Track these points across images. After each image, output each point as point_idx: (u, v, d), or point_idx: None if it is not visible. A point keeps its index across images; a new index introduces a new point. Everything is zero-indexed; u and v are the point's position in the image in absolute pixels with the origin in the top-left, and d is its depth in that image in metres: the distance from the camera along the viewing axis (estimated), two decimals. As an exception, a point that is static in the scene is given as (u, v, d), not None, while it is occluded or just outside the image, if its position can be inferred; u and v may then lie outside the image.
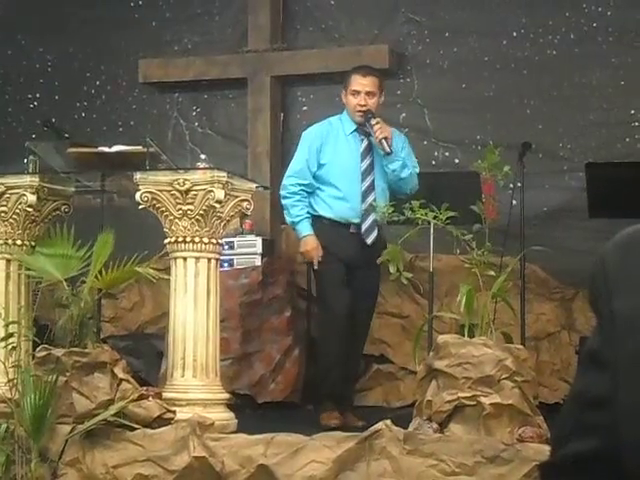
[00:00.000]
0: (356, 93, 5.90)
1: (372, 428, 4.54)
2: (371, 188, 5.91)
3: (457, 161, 7.34)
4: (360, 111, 5.87)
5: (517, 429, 4.56)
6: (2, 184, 5.54)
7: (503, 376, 4.60)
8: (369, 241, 5.77)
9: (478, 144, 7.03)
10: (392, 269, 5.14)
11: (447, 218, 5.00)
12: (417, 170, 5.96)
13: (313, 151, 5.98)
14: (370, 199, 5.85)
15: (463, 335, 4.75)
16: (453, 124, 7.37)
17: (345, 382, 5.97)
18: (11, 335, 4.95)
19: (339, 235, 5.82)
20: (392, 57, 7.44)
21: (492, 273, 4.95)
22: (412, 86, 7.57)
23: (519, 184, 6.18)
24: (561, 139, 7.22)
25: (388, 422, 4.56)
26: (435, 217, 5.05)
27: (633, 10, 7.10)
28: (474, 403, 4.57)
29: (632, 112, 7.10)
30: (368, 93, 5.89)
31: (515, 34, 7.36)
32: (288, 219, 6.01)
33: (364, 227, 5.88)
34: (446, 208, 5.09)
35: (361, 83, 5.91)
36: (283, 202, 5.98)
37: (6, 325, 5.06)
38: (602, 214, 5.87)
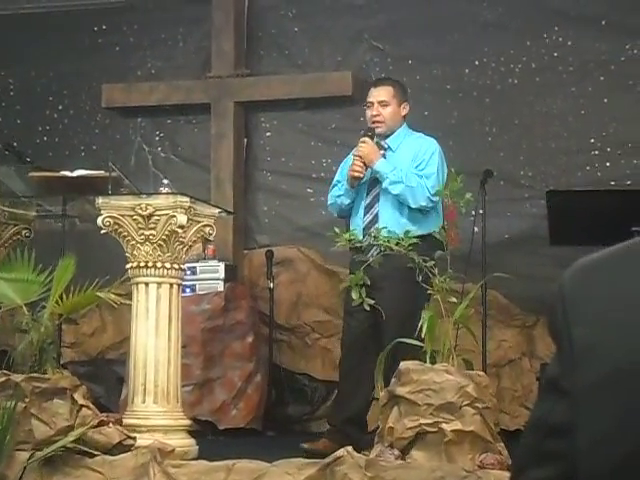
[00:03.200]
0: (371, 105, 5.76)
1: (333, 455, 4.53)
2: (374, 201, 5.67)
3: (419, 188, 7.36)
4: (375, 122, 5.72)
5: (478, 456, 4.56)
6: (-38, 208, 5.49)
7: (464, 403, 4.61)
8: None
9: (440, 171, 7.06)
10: (355, 295, 5.15)
11: (409, 245, 5.02)
12: (422, 183, 5.55)
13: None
14: (369, 217, 5.65)
15: (425, 362, 4.75)
16: (416, 151, 7.40)
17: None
18: (-30, 360, 4.90)
19: None
20: (355, 84, 7.47)
21: (454, 300, 4.97)
22: (375, 113, 7.60)
23: (481, 211, 6.22)
24: (522, 167, 7.28)
25: (349, 449, 4.55)
26: (397, 243, 5.06)
27: (593, 40, 7.19)
28: (435, 430, 4.57)
29: (592, 140, 7.18)
30: (381, 103, 5.73)
31: (477, 62, 7.42)
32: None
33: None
34: (408, 234, 5.10)
35: (373, 94, 5.77)
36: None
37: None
38: (563, 241, 5.91)
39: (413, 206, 5.52)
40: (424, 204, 5.51)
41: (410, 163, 5.64)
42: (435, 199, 5.50)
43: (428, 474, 4.41)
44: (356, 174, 5.62)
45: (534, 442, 1.05)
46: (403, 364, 4.73)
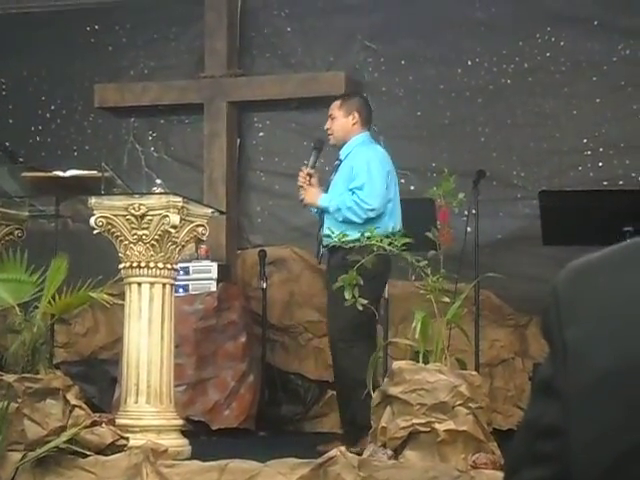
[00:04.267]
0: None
1: (326, 455, 4.54)
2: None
3: (412, 188, 7.37)
4: (328, 134, 6.10)
5: (471, 455, 4.57)
6: (-46, 208, 5.48)
7: (457, 402, 4.61)
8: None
9: (433, 171, 7.07)
10: (347, 295, 5.15)
11: (402, 244, 5.02)
12: (355, 199, 5.77)
13: None
14: (320, 221, 6.00)
15: (418, 361, 4.75)
16: (408, 151, 7.41)
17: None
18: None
19: None
20: (348, 84, 7.47)
21: (447, 300, 4.97)
22: (368, 113, 7.60)
23: (473, 211, 6.23)
24: (515, 167, 7.29)
25: (342, 448, 4.56)
26: (390, 243, 5.07)
27: (585, 41, 7.20)
28: (428, 429, 4.58)
29: (584, 140, 7.19)
30: (330, 116, 6.07)
31: (470, 63, 7.43)
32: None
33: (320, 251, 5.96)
34: (401, 234, 5.11)
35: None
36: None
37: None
38: (556, 241, 5.92)
39: (360, 221, 5.69)
40: (367, 216, 5.70)
41: (346, 178, 5.90)
42: (375, 206, 5.69)
43: (421, 474, 4.41)
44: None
45: (527, 443, 1.05)
46: (396, 364, 4.73)
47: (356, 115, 6.01)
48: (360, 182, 5.78)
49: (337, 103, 6.08)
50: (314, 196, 5.98)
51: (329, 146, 6.15)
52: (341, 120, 6.00)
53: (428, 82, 7.47)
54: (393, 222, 5.77)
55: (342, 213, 5.77)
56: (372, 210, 5.71)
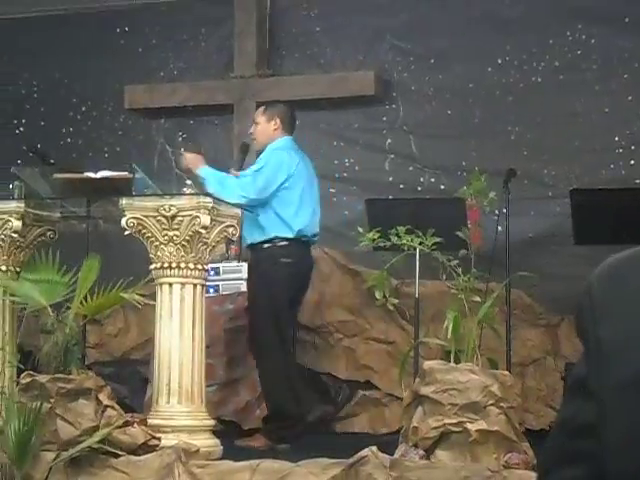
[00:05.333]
0: None
1: (358, 455, 4.53)
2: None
3: (443, 187, 7.36)
4: (252, 139, 6.39)
5: (503, 455, 4.55)
6: (-13, 210, 5.52)
7: (489, 402, 4.59)
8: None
9: (463, 170, 7.05)
10: (378, 295, 5.15)
11: (433, 244, 5.01)
12: (236, 183, 5.99)
13: None
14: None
15: (449, 361, 4.74)
16: (439, 150, 7.40)
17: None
18: (-5, 361, 4.93)
19: None
20: (378, 83, 7.47)
21: (478, 299, 4.96)
22: (398, 112, 7.60)
23: (504, 210, 6.20)
24: (546, 165, 7.25)
25: (374, 448, 4.55)
26: (421, 243, 5.06)
27: (616, 38, 7.15)
28: (460, 429, 4.56)
29: (616, 138, 7.14)
30: (254, 121, 6.37)
31: (500, 61, 7.40)
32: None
33: None
34: (432, 234, 5.10)
35: None
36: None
37: (-10, 351, 5.03)
38: (587, 240, 5.88)
39: (230, 201, 5.76)
40: (238, 201, 5.80)
41: None
42: (249, 197, 5.88)
43: (453, 474, 4.40)
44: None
45: (562, 442, 1.05)
46: (427, 364, 4.72)
47: (277, 121, 6.23)
48: (252, 169, 6.07)
49: (261, 109, 6.35)
50: (197, 162, 6.11)
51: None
52: (263, 125, 6.25)
53: (458, 81, 7.45)
54: (301, 225, 6.04)
55: (218, 189, 5.87)
56: (244, 197, 5.89)
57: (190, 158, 6.19)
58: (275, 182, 6.05)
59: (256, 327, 6.11)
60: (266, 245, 5.94)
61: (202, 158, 6.20)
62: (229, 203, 5.51)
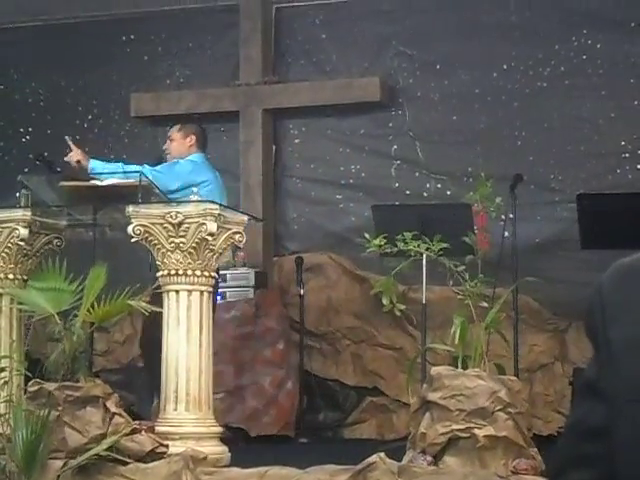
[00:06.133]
0: None
1: (366, 461, 4.52)
2: None
3: (449, 193, 7.35)
4: (166, 154, 6.59)
5: (511, 461, 4.54)
6: (-6, 218, 5.53)
7: (497, 408, 4.58)
8: None
9: (470, 176, 7.05)
10: (385, 301, 5.14)
11: (439, 250, 5.00)
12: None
13: None
14: None
15: (456, 367, 4.73)
16: (445, 156, 7.40)
17: None
18: (2, 369, 4.93)
19: None
20: (383, 89, 7.47)
21: (485, 304, 4.95)
22: (403, 118, 7.60)
23: (511, 215, 6.20)
24: (552, 170, 7.24)
25: (382, 455, 4.54)
26: (427, 249, 5.05)
27: (622, 42, 7.15)
28: (468, 435, 4.55)
29: (622, 143, 7.13)
30: (169, 137, 6.55)
31: (505, 66, 7.40)
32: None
33: None
34: (438, 240, 5.09)
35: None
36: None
37: (-2, 359, 5.03)
38: (594, 245, 5.88)
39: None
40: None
41: None
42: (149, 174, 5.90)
43: (461, 479, 4.39)
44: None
45: (572, 445, 1.04)
46: (435, 369, 4.72)
47: (193, 138, 6.42)
48: (158, 168, 6.21)
49: (177, 127, 6.55)
50: (83, 157, 6.24)
51: None
52: (179, 141, 6.45)
53: (463, 86, 7.45)
54: None
55: (115, 176, 6.01)
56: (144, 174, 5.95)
57: (76, 153, 6.28)
58: (184, 180, 6.13)
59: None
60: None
61: (83, 152, 6.31)
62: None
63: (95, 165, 6.22)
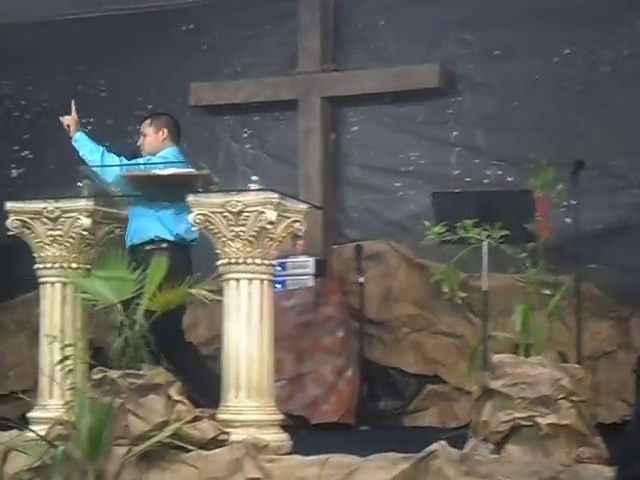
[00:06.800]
0: None
1: (427, 449, 4.51)
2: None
3: (510, 179, 7.30)
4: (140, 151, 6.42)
5: (575, 450, 4.50)
6: (57, 208, 5.60)
7: (560, 396, 4.55)
8: None
9: (531, 162, 6.97)
10: (445, 289, 5.11)
11: (500, 237, 4.97)
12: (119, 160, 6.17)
13: None
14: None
15: (518, 355, 4.70)
16: (505, 142, 7.34)
17: None
18: (67, 358, 4.99)
19: None
20: (442, 76, 7.43)
21: (547, 292, 4.90)
22: (463, 105, 7.55)
23: (573, 202, 6.13)
24: (615, 156, 7.15)
25: (443, 443, 4.52)
26: (488, 236, 5.02)
27: (687, 25, 7.03)
28: (531, 423, 4.52)
29: (687, 128, 7.02)
30: (142, 134, 6.41)
31: (566, 51, 7.31)
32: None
33: None
34: (499, 227, 5.06)
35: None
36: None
37: (62, 348, 5.10)
38: (658, 231, 5.80)
39: (107, 179, 5.94)
40: (114, 177, 5.91)
41: None
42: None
43: (523, 468, 4.36)
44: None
45: (637, 434, 1.03)
46: (497, 357, 4.69)
47: (165, 131, 6.33)
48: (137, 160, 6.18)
49: (147, 121, 6.44)
50: (74, 123, 6.29)
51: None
52: (152, 136, 6.36)
53: (524, 72, 7.38)
54: (180, 229, 5.88)
55: (96, 156, 6.09)
56: (113, 178, 5.93)
57: (71, 118, 6.35)
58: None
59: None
60: (147, 247, 5.79)
61: (77, 121, 6.35)
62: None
63: (78, 138, 6.29)
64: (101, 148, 6.25)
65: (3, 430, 5.29)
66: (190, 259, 5.95)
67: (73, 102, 6.39)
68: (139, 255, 5.75)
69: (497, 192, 6.87)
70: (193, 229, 5.44)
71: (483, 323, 5.88)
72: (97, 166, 6.01)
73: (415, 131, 7.65)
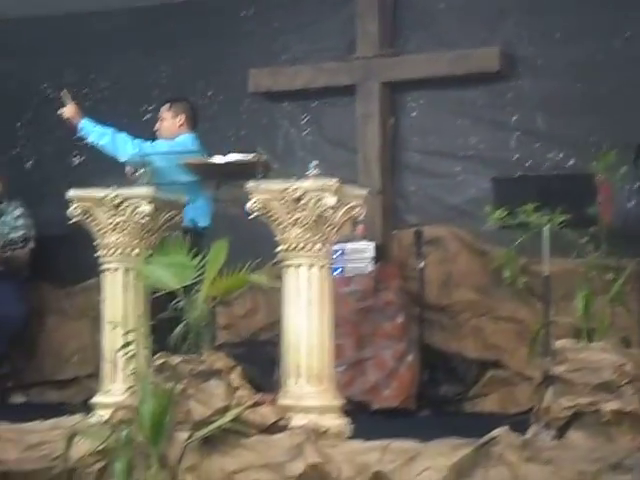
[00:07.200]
0: None
1: (489, 435, 4.49)
2: None
3: (571, 163, 7.22)
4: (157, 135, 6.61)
5: (639, 437, 4.45)
6: (119, 195, 5.65)
7: (623, 382, 4.50)
8: None
9: (592, 145, 6.89)
10: (506, 274, 5.08)
11: (562, 221, 4.92)
12: (130, 140, 6.35)
13: None
14: None
15: (580, 340, 4.66)
16: (566, 125, 7.26)
17: None
18: (129, 344, 5.04)
19: None
20: (502, 59, 7.37)
21: (609, 276, 4.85)
22: (523, 88, 7.48)
23: (635, 185, 6.06)
24: (679, 138, 7.03)
25: (505, 429, 4.50)
26: (549, 220, 4.98)
27: None
28: (593, 409, 4.48)
29: None
30: (159, 118, 6.64)
31: (628, 34, 7.21)
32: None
33: None
34: (560, 211, 5.01)
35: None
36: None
37: (125, 334, 5.15)
38: None
39: (122, 158, 6.19)
40: (129, 154, 6.16)
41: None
42: (127, 156, 6.12)
43: (587, 454, 4.32)
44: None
45: None
46: (559, 343, 4.65)
47: (183, 117, 6.52)
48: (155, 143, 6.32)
49: (166, 106, 6.57)
50: (75, 114, 6.40)
51: None
52: (169, 121, 6.51)
53: (585, 54, 7.28)
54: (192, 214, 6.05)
55: (107, 139, 6.26)
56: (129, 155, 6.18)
57: (70, 109, 6.43)
58: (175, 157, 6.19)
59: None
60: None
61: (77, 110, 6.46)
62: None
63: (85, 125, 6.38)
64: (109, 130, 6.31)
65: (68, 415, 5.36)
66: (203, 246, 5.94)
67: (65, 92, 6.43)
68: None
69: (558, 176, 6.81)
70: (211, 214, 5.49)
71: (544, 308, 5.84)
72: (146, 154, 6.05)
73: (475, 115, 7.60)
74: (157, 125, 6.60)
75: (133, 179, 6.24)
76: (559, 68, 7.38)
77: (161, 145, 6.42)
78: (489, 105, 7.56)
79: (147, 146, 6.38)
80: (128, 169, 6.38)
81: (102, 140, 6.31)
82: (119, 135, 6.32)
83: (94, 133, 6.34)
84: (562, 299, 6.47)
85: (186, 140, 6.46)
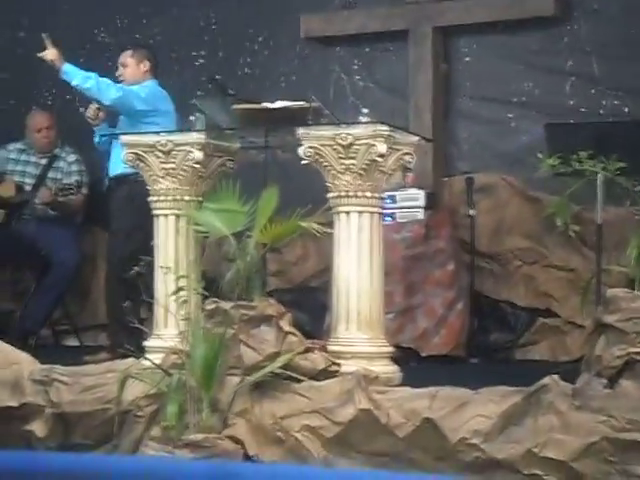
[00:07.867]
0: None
1: (539, 383, 4.48)
2: None
3: (626, 110, 7.12)
4: (120, 81, 6.64)
5: (691, 386, 4.41)
6: (170, 141, 5.66)
7: (676, 331, 4.46)
8: None
9: (649, 92, 6.79)
10: (559, 222, 5.04)
11: (616, 169, 4.86)
12: (114, 85, 6.45)
13: None
14: None
15: (633, 289, 4.62)
16: (622, 71, 7.14)
17: None
18: (181, 289, 5.08)
19: None
20: (557, 4, 7.25)
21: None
22: (579, 33, 7.36)
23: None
24: None
25: (555, 377, 4.49)
26: (604, 168, 4.92)
27: None
28: (645, 359, 4.45)
29: None
30: (122, 64, 6.69)
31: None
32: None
33: None
34: (615, 159, 4.95)
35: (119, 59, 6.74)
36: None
37: (177, 279, 5.19)
38: None
39: (105, 102, 6.37)
40: (113, 97, 6.33)
41: None
42: (114, 98, 6.31)
43: (637, 404, 4.31)
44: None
45: None
46: (610, 291, 4.61)
47: (147, 63, 6.58)
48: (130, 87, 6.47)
49: (129, 52, 6.62)
50: (58, 57, 6.38)
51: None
52: (133, 68, 6.54)
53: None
54: None
55: (91, 83, 6.31)
56: (117, 96, 6.35)
57: (52, 52, 6.38)
58: (150, 104, 6.43)
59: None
60: (140, 178, 5.80)
61: (59, 54, 6.42)
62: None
63: (68, 69, 6.37)
64: (93, 74, 6.33)
65: (121, 358, 5.44)
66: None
67: (45, 35, 6.43)
68: (132, 186, 6.18)
69: (613, 123, 6.72)
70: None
71: (597, 257, 5.78)
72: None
73: (529, 61, 7.49)
74: (119, 71, 6.65)
75: (94, 122, 6.60)
76: (615, 12, 7.24)
77: (140, 89, 6.52)
78: (543, 50, 7.44)
79: (130, 90, 6.45)
80: (88, 110, 6.62)
81: (86, 84, 6.33)
82: (102, 79, 6.35)
83: (78, 77, 6.35)
84: (615, 248, 6.41)
85: (152, 85, 6.52)
